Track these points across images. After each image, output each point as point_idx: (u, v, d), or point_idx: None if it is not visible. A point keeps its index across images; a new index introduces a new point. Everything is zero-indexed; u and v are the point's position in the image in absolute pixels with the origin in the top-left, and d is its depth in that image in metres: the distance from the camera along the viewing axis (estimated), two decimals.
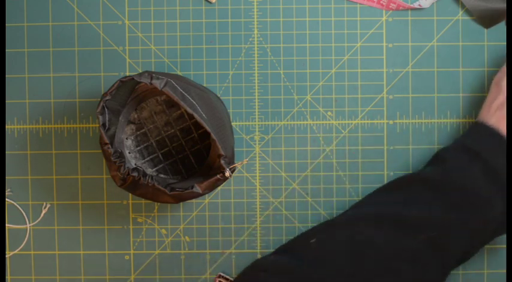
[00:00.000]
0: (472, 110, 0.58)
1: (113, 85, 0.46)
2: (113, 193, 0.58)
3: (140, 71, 0.58)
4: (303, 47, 0.58)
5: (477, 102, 0.58)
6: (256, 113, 0.58)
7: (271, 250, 0.58)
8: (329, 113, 0.58)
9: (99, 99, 0.53)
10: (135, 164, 0.55)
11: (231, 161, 0.46)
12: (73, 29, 0.58)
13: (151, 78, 0.45)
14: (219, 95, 0.57)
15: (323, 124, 0.58)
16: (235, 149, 0.56)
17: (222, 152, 0.45)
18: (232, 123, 0.58)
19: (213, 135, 0.45)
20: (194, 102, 0.46)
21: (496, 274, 0.58)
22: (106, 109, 0.47)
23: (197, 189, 0.46)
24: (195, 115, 0.45)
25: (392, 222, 0.47)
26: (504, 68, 0.53)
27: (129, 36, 0.58)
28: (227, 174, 0.45)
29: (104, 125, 0.47)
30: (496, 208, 0.47)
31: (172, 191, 0.47)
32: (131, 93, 0.52)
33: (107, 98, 0.46)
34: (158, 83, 0.45)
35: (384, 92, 0.58)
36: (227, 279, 0.58)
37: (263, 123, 0.58)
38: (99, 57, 0.58)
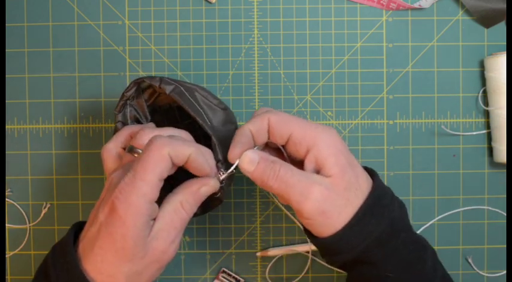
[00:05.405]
0: (472, 109, 0.58)
1: (129, 85, 0.47)
2: None
3: (140, 71, 0.58)
4: (303, 47, 0.58)
5: (477, 102, 0.58)
6: None
7: None
8: (329, 113, 0.58)
9: (99, 99, 0.54)
10: None
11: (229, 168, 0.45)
12: (73, 29, 0.58)
13: (161, 82, 0.45)
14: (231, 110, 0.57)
15: (323, 124, 0.58)
16: None
17: (219, 157, 0.45)
18: None
19: (213, 139, 0.45)
20: (201, 111, 0.46)
21: (496, 274, 0.58)
22: (128, 107, 0.48)
23: None
24: (197, 119, 0.45)
25: None
26: None
27: (129, 36, 0.58)
28: (220, 176, 0.43)
29: (122, 122, 0.48)
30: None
31: None
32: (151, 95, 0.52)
33: (126, 98, 0.48)
34: (167, 88, 0.45)
35: (384, 92, 0.58)
36: (229, 274, 0.58)
37: None
38: (99, 57, 0.58)
